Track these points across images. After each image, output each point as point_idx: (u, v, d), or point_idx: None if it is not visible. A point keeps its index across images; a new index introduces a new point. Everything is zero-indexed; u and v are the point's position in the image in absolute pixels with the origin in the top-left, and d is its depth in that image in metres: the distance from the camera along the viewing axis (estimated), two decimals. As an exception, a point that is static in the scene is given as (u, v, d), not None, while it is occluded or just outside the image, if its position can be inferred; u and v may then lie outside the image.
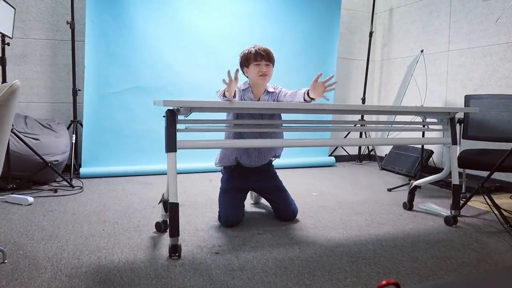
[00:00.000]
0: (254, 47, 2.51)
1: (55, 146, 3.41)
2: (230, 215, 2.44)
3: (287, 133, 2.63)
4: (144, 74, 3.95)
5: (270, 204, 2.66)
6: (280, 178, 2.69)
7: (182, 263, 1.87)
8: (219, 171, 2.78)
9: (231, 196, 2.54)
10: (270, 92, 2.59)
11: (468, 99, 3.40)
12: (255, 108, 2.20)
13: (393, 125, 2.77)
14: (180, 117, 2.00)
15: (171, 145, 1.92)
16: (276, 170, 2.74)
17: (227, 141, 2.48)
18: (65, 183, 3.37)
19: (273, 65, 2.54)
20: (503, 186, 3.55)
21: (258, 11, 4.34)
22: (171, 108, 1.96)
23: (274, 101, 2.59)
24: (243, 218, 2.55)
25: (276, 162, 2.79)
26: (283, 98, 2.57)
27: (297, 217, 2.60)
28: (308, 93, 2.33)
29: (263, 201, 2.99)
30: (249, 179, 2.60)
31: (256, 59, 2.48)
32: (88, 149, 3.79)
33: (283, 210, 2.58)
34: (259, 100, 2.58)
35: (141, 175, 3.91)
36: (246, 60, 2.52)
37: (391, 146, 4.70)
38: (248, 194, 2.94)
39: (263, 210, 2.82)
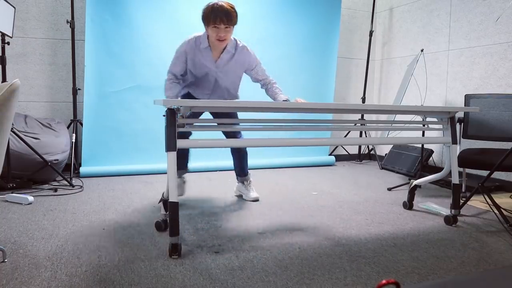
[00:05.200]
0: (215, 4, 2.42)
1: (55, 145, 3.41)
2: None
3: (286, 132, 2.63)
4: (144, 73, 3.95)
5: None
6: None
7: (182, 263, 1.87)
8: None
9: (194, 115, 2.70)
10: (229, 51, 2.58)
11: (468, 98, 3.40)
12: (255, 107, 2.20)
13: (393, 125, 2.77)
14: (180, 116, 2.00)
15: (171, 144, 1.92)
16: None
17: (227, 141, 2.48)
18: (65, 182, 3.37)
19: (234, 25, 2.47)
20: (503, 185, 3.55)
21: (259, 11, 4.33)
22: (171, 107, 1.96)
23: (233, 58, 2.61)
24: None
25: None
26: (255, 75, 2.70)
27: (297, 217, 2.60)
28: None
29: (263, 200, 2.99)
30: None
31: (216, 22, 2.39)
32: (88, 148, 3.79)
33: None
34: (218, 59, 2.59)
35: (141, 174, 3.91)
36: (205, 19, 2.46)
37: (391, 146, 4.70)
38: (235, 187, 3.09)
39: (262, 210, 2.82)
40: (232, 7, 2.48)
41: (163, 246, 2.06)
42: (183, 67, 2.70)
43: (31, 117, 3.65)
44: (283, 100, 2.63)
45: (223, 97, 2.82)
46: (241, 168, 3.03)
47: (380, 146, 5.17)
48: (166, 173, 2.10)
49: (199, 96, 2.81)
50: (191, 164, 4.10)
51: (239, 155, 3.01)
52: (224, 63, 2.66)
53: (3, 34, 3.02)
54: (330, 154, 4.95)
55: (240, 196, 3.08)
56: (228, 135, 2.91)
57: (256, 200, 2.99)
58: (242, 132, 3.06)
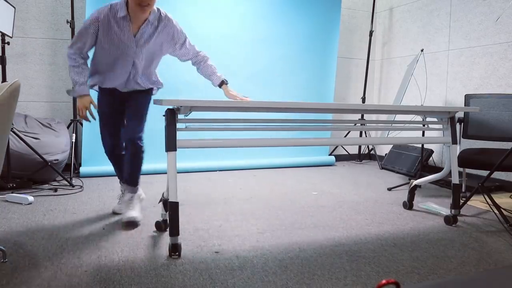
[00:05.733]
0: None
1: (55, 145, 3.41)
2: (107, 142, 2.46)
3: (286, 132, 2.63)
4: (144, 73, 3.94)
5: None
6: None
7: (182, 262, 1.87)
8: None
9: (107, 119, 2.45)
10: (151, 22, 2.23)
11: (468, 98, 3.40)
12: (255, 108, 2.20)
13: (393, 125, 2.77)
14: (180, 116, 2.00)
15: (171, 144, 1.92)
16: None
17: (227, 140, 2.47)
18: (65, 182, 3.37)
19: None
20: (503, 185, 3.55)
21: (259, 11, 4.34)
22: (171, 107, 1.96)
23: (155, 33, 2.25)
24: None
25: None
26: (185, 53, 2.42)
27: (297, 217, 2.60)
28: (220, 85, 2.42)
29: (263, 200, 2.99)
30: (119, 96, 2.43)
31: None
32: (88, 148, 3.79)
33: (127, 128, 2.40)
34: (138, 30, 2.24)
35: (141, 174, 3.90)
36: None
37: (391, 146, 4.70)
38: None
39: (263, 210, 2.82)
40: None
41: (163, 246, 2.06)
42: (91, 41, 2.22)
43: (31, 117, 3.65)
44: (222, 80, 2.43)
45: (140, 86, 2.42)
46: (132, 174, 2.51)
47: (380, 146, 5.17)
48: (166, 173, 2.10)
49: (109, 86, 2.40)
50: (191, 164, 4.13)
51: (134, 160, 2.45)
52: (145, 38, 2.26)
53: (3, 34, 3.02)
54: (330, 154, 4.95)
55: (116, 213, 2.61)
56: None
57: (132, 221, 2.33)
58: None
